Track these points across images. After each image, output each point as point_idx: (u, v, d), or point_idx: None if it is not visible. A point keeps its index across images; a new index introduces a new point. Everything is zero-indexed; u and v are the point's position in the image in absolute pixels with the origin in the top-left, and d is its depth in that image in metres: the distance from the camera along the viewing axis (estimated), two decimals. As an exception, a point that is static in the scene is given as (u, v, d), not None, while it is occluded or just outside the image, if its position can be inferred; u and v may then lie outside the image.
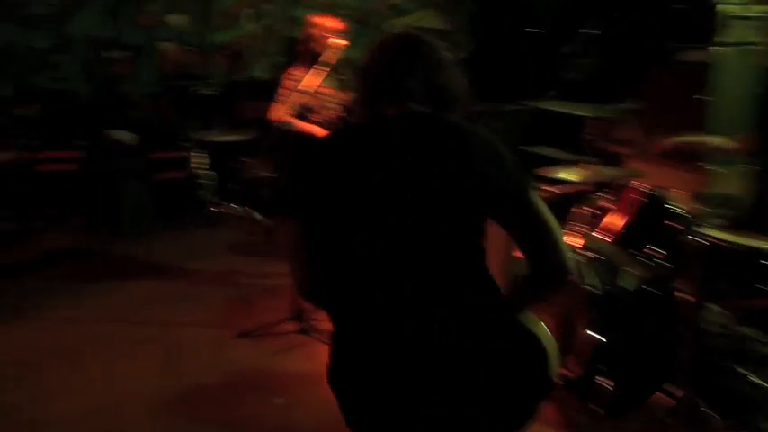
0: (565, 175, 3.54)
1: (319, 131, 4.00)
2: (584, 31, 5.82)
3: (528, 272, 1.54)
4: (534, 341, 1.55)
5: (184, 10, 6.93)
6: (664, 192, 3.03)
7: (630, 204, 3.05)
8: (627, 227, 3.03)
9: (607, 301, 2.92)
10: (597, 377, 2.94)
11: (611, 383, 2.89)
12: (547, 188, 3.80)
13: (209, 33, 7.06)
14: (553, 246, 1.49)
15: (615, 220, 3.09)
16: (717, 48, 4.15)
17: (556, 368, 1.61)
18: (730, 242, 2.86)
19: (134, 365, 3.54)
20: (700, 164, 4.09)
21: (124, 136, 5.81)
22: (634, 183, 3.13)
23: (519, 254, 1.55)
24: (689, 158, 4.10)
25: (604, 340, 2.90)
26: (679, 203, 2.91)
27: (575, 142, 5.36)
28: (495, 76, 7.53)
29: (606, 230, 3.10)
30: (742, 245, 2.83)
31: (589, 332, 2.92)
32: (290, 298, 3.81)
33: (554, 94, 7.32)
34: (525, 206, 1.48)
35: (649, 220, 2.98)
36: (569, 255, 1.52)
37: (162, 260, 5.09)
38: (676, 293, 3.01)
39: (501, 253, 4.15)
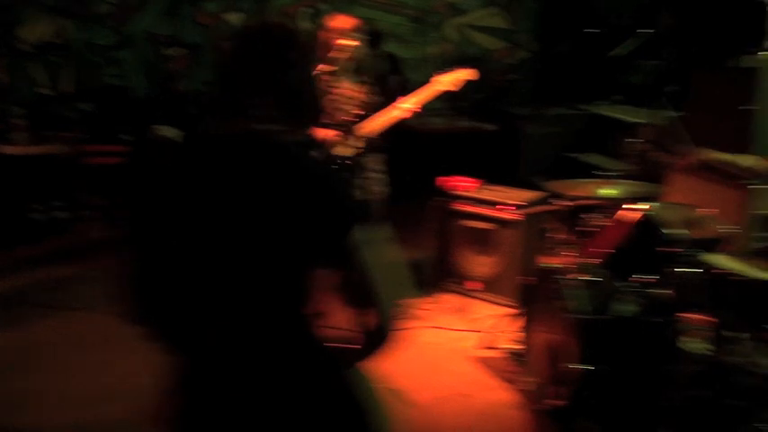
0: (578, 190, 3.30)
1: (324, 133, 3.94)
2: (641, 31, 5.45)
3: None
4: (350, 399, 1.42)
5: (241, 8, 7.04)
6: (665, 212, 2.75)
7: (624, 225, 2.79)
8: (618, 250, 2.77)
9: (595, 329, 2.69)
10: (582, 410, 2.72)
11: (596, 419, 2.67)
12: (557, 202, 3.58)
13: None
14: (369, 301, 1.35)
15: (608, 242, 2.83)
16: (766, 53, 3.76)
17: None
18: (732, 271, 2.58)
19: (137, 362, 3.59)
20: (743, 182, 3.75)
21: (169, 132, 5.95)
22: (629, 202, 2.86)
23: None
24: (730, 175, 3.76)
25: (589, 370, 2.68)
26: (677, 227, 2.63)
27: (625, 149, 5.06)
28: (558, 78, 7.23)
29: (598, 252, 2.86)
30: (749, 276, 2.55)
31: (575, 361, 2.70)
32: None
33: (619, 99, 6.94)
34: (344, 251, 1.34)
35: (642, 243, 2.71)
36: (389, 316, 1.36)
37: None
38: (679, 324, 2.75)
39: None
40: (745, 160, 3.33)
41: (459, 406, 3.15)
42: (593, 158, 6.00)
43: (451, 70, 4.17)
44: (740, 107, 3.82)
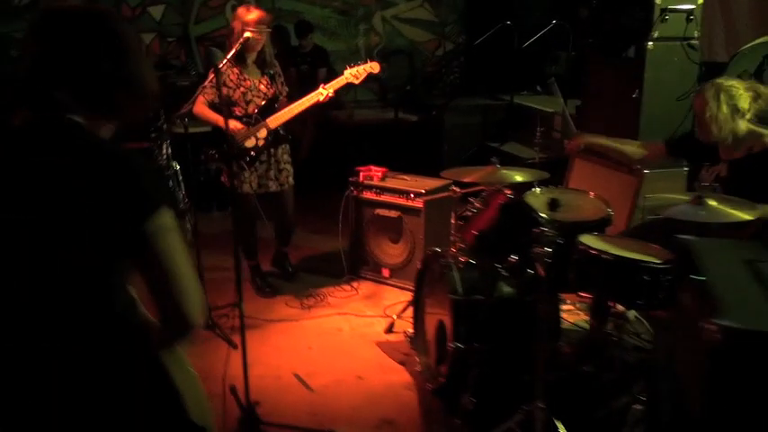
0: (470, 177, 3.41)
1: (233, 124, 3.98)
2: (556, 22, 5.61)
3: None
4: (163, 382, 1.46)
5: (165, 1, 6.99)
6: (542, 196, 2.89)
7: (496, 209, 2.92)
8: (489, 232, 2.90)
9: (472, 309, 2.82)
10: (461, 387, 2.84)
11: (471, 395, 2.80)
12: (454, 188, 3.69)
13: (190, 25, 7.11)
14: (173, 298, 1.37)
15: (481, 225, 2.96)
16: (652, 43, 3.93)
17: (198, 411, 1.51)
18: (601, 250, 2.72)
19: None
20: (631, 167, 3.93)
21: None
22: (502, 186, 2.99)
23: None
24: (619, 161, 3.93)
25: (468, 348, 2.80)
26: (552, 210, 2.76)
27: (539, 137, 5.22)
28: (484, 69, 7.36)
29: (474, 235, 2.98)
30: (615, 255, 2.70)
31: (452, 341, 2.82)
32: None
33: (540, 90, 7.14)
34: (144, 244, 1.34)
35: (512, 226, 2.85)
36: (195, 309, 1.39)
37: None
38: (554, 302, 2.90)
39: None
40: (630, 147, 3.49)
41: (353, 388, 3.24)
42: (511, 147, 6.18)
43: (361, 63, 4.20)
44: (631, 96, 4.00)
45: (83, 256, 1.33)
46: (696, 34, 3.94)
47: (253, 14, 3.94)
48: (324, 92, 4.02)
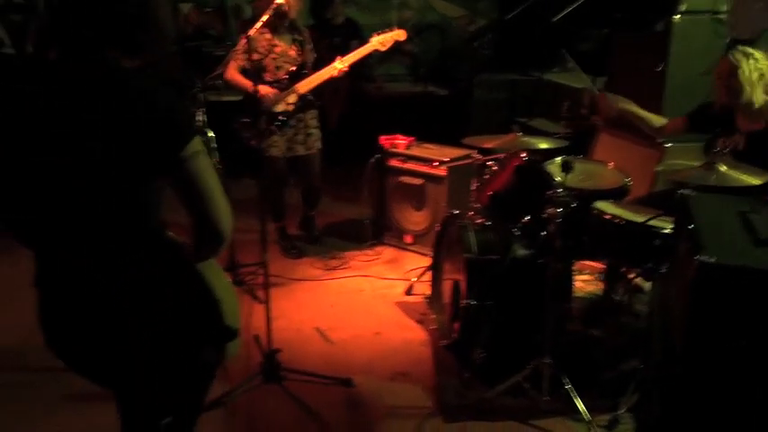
0: (490, 143, 3.49)
1: (265, 89, 4.10)
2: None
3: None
4: (203, 290, 1.60)
5: (202, -29, 7.11)
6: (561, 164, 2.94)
7: (511, 171, 3.00)
8: (504, 194, 2.98)
9: (484, 268, 2.91)
10: (471, 342, 2.96)
11: (481, 350, 2.91)
12: (474, 156, 3.77)
13: (226, -5, 7.24)
14: (206, 211, 1.50)
15: (497, 187, 3.04)
16: (679, 16, 3.94)
17: (232, 317, 1.65)
18: (614, 215, 2.79)
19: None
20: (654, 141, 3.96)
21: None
22: (519, 151, 3.06)
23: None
24: (643, 134, 3.96)
25: (480, 305, 2.91)
26: (556, 173, 2.83)
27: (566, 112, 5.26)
28: (515, 45, 7.36)
29: (488, 197, 3.07)
30: (626, 219, 2.77)
31: (466, 298, 2.93)
32: (226, 251, 3.97)
33: (572, 66, 7.11)
34: (180, 167, 1.47)
35: (527, 187, 2.92)
36: (226, 221, 1.53)
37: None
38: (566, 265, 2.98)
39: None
40: (654, 116, 3.53)
41: (371, 343, 3.38)
42: (539, 123, 6.21)
43: (388, 31, 4.28)
44: (655, 69, 4.01)
45: (126, 176, 1.46)
46: (725, 8, 3.93)
47: None
48: (338, 66, 4.10)
